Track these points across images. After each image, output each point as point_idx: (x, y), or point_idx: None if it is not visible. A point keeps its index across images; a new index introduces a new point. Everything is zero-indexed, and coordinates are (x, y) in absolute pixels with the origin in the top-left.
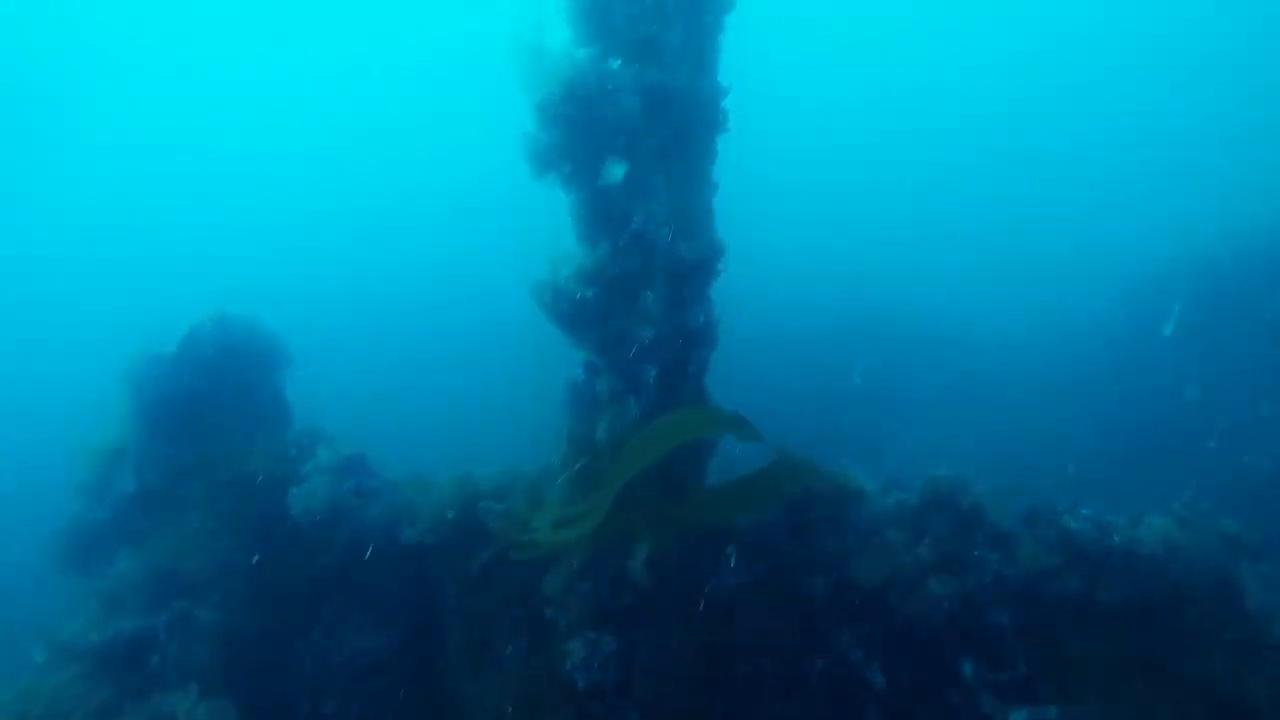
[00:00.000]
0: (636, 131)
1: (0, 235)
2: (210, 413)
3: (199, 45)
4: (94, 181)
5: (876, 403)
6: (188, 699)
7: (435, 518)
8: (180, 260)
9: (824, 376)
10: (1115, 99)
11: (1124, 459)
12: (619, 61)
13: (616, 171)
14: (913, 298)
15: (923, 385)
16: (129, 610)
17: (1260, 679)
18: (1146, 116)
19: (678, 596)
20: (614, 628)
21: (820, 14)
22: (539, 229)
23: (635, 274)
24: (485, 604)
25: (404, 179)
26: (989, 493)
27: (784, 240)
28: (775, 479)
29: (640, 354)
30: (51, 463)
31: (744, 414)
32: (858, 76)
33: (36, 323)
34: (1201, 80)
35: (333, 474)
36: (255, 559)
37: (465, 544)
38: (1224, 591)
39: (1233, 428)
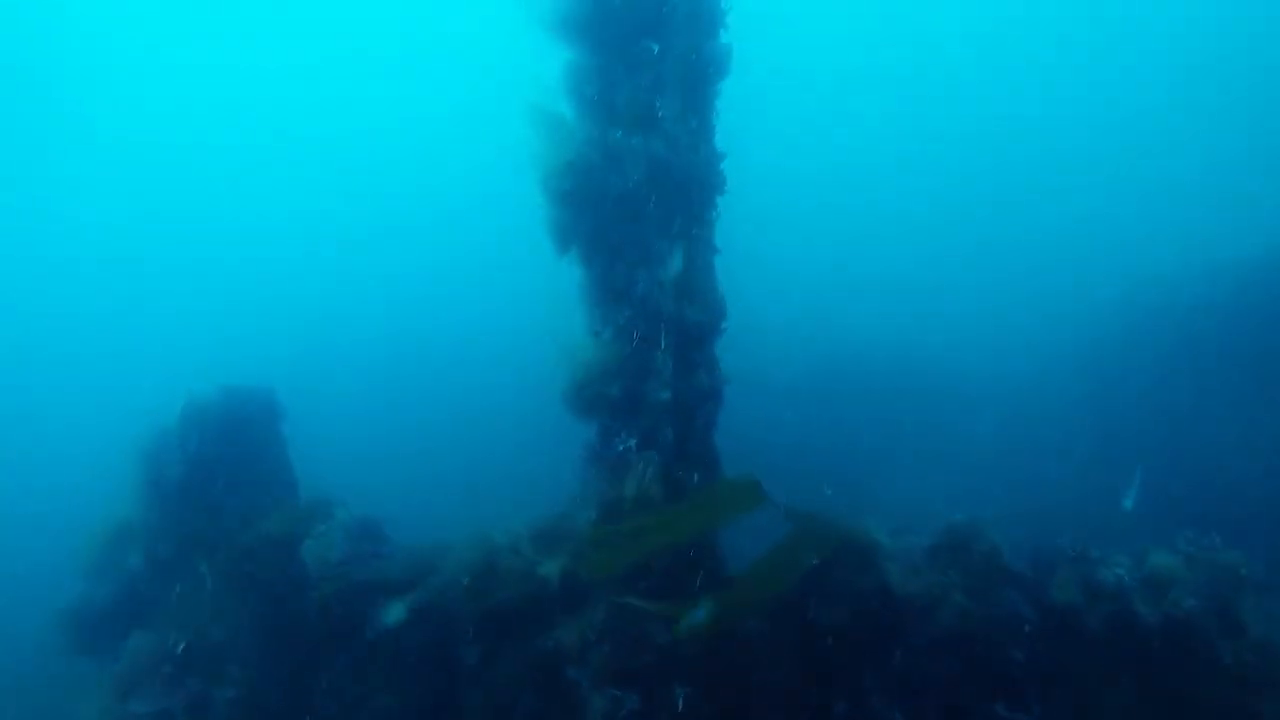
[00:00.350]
0: (642, 200)
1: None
2: (218, 481)
3: (198, 46)
4: (92, 182)
5: (867, 446)
6: None
7: (453, 577)
8: (178, 261)
9: (815, 421)
10: (1110, 121)
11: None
12: (620, 133)
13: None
14: (902, 332)
15: (913, 425)
16: (143, 693)
17: (1274, 711)
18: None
19: (699, 654)
20: (637, 685)
21: (807, 48)
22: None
23: (646, 339)
24: (505, 663)
25: (412, 189)
26: (1003, 535)
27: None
28: (803, 547)
29: (657, 415)
30: (49, 537)
31: (753, 472)
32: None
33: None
34: (1208, 105)
35: (347, 534)
36: (272, 624)
37: (483, 603)
38: (1232, 626)
39: (1221, 459)
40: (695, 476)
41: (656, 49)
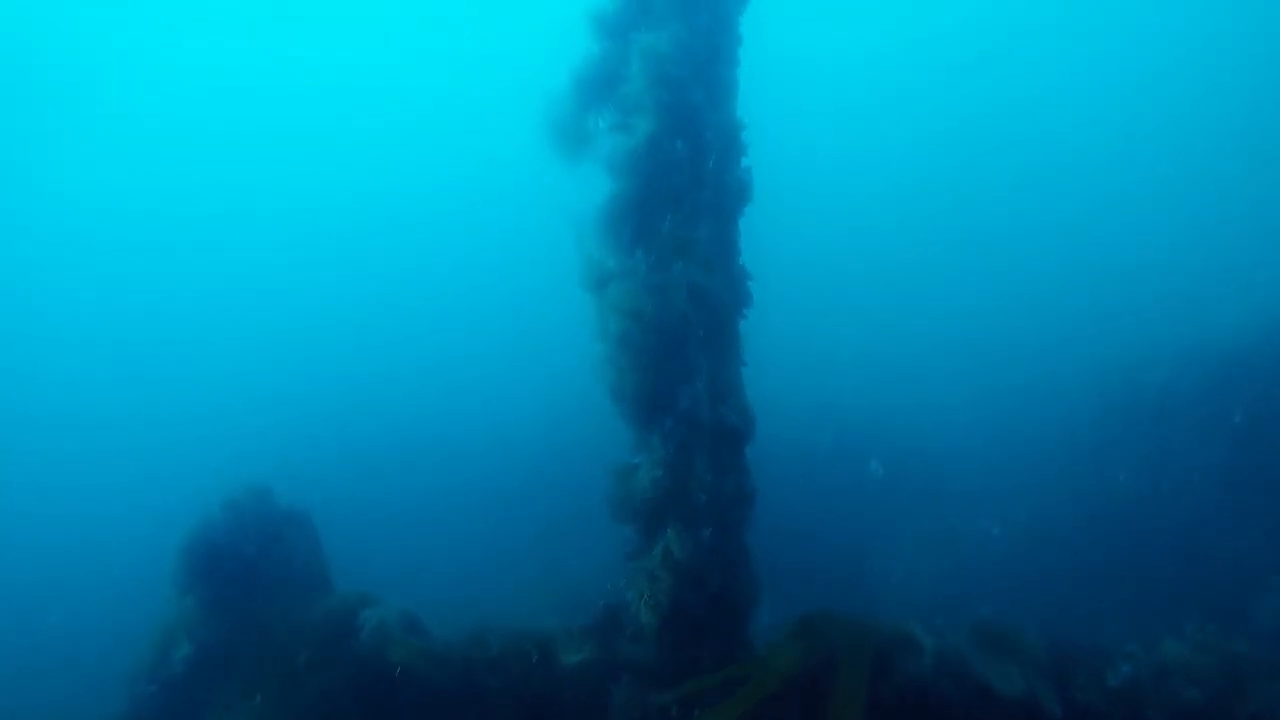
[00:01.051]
0: (685, 324)
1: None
2: (259, 577)
3: (200, 47)
4: (93, 184)
5: (861, 523)
6: None
7: (498, 675)
8: (179, 262)
9: (809, 507)
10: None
11: (1119, 575)
12: (665, 263)
13: None
14: (892, 414)
15: (909, 502)
16: None
17: None
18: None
19: None
20: None
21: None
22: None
23: (686, 447)
24: None
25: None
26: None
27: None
28: (846, 655)
29: (696, 518)
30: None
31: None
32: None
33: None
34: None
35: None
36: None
37: (526, 699)
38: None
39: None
40: (724, 576)
41: (696, 182)
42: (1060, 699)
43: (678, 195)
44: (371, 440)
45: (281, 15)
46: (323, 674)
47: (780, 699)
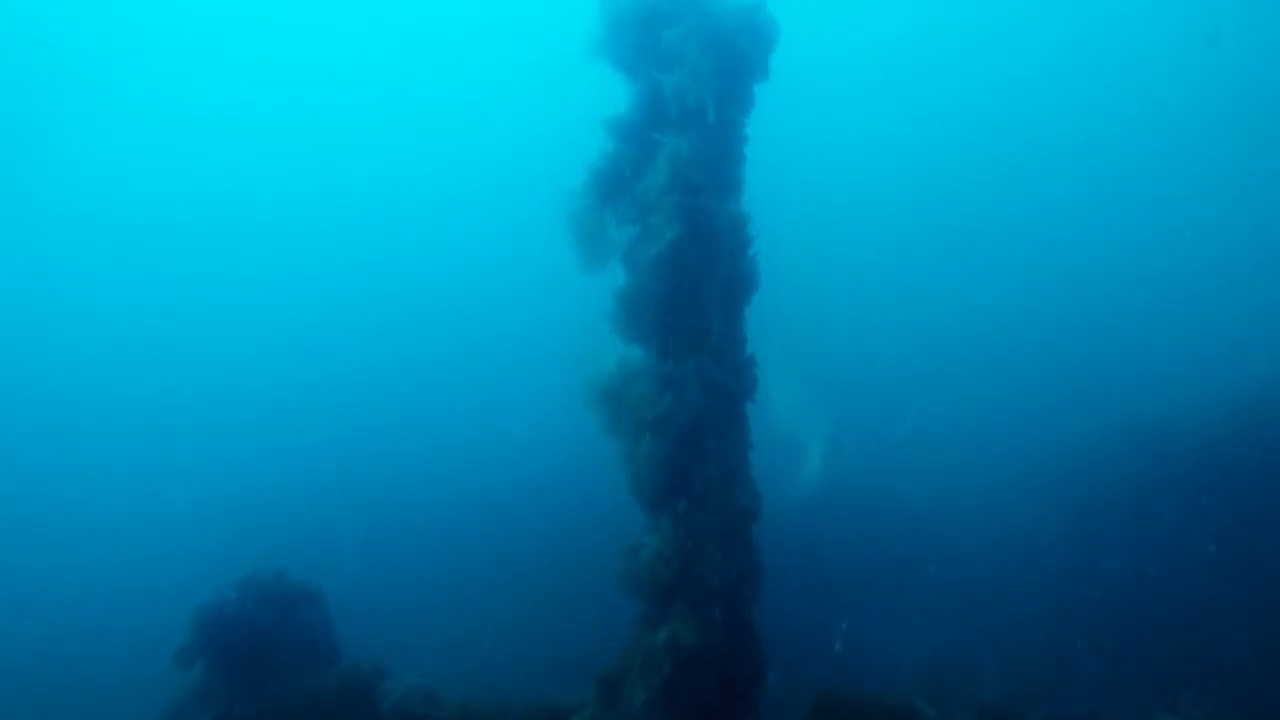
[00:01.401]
0: (702, 414)
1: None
2: (275, 649)
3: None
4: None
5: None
6: None
7: None
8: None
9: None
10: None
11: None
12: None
13: None
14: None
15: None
16: None
17: None
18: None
19: None
20: None
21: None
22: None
23: (700, 529)
24: None
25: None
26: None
27: None
28: None
29: (708, 597)
30: None
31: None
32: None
33: None
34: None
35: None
36: None
37: None
38: None
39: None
40: (732, 657)
41: (710, 278)
42: None
43: (695, 293)
44: (367, 500)
45: (284, 16)
46: None
47: None
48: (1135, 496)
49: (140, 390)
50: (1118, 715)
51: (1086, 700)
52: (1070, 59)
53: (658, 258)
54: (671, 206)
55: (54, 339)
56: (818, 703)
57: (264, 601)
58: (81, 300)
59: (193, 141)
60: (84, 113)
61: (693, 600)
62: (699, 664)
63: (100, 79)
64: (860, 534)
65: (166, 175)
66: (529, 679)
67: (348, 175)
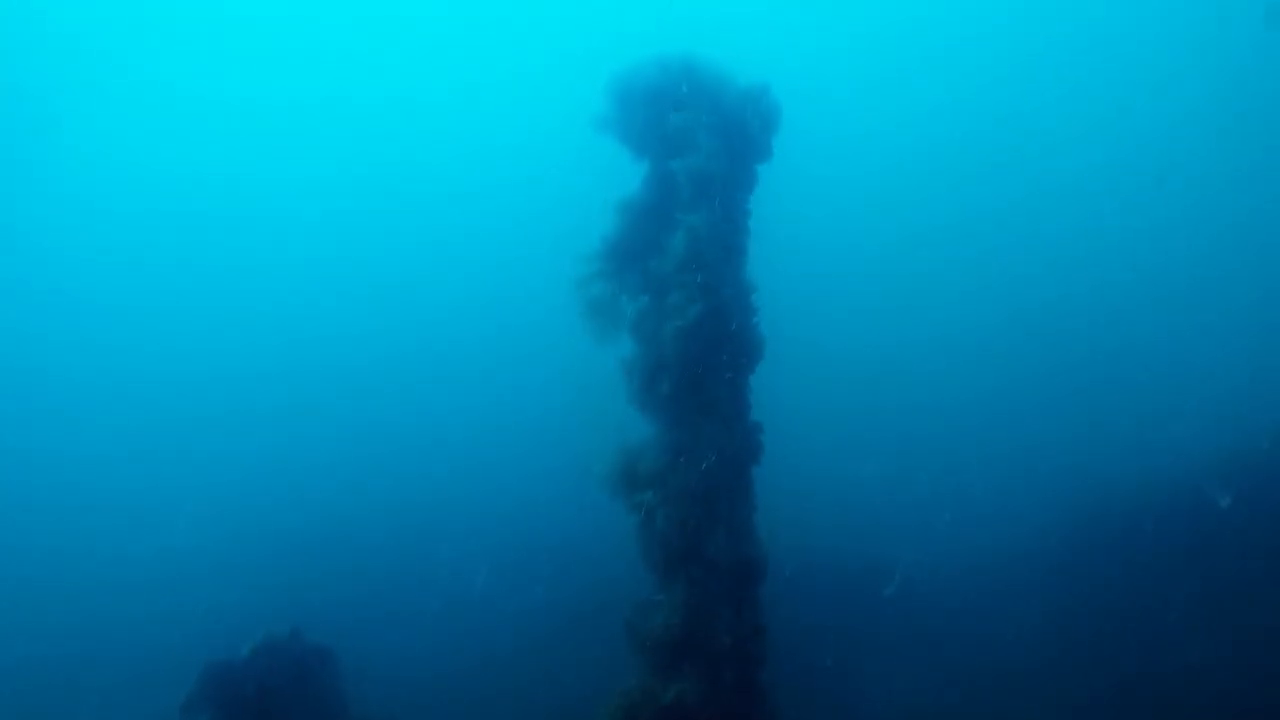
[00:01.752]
0: (714, 478)
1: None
2: (287, 707)
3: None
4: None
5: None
6: None
7: None
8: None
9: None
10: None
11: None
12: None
13: None
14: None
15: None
16: None
17: None
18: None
19: None
20: None
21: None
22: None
23: (712, 592)
24: None
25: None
26: None
27: None
28: None
29: (719, 657)
30: None
31: None
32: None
33: None
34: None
35: None
36: None
37: None
38: None
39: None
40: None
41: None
42: None
43: (711, 364)
44: (356, 540)
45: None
46: None
47: None
48: (1117, 557)
49: (140, 390)
50: None
51: None
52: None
53: (679, 333)
54: (693, 284)
55: (53, 341)
56: None
57: (278, 661)
58: (81, 299)
59: (190, 142)
60: (84, 112)
61: (704, 660)
62: None
63: (100, 79)
64: (851, 593)
65: (167, 176)
66: None
67: (347, 176)
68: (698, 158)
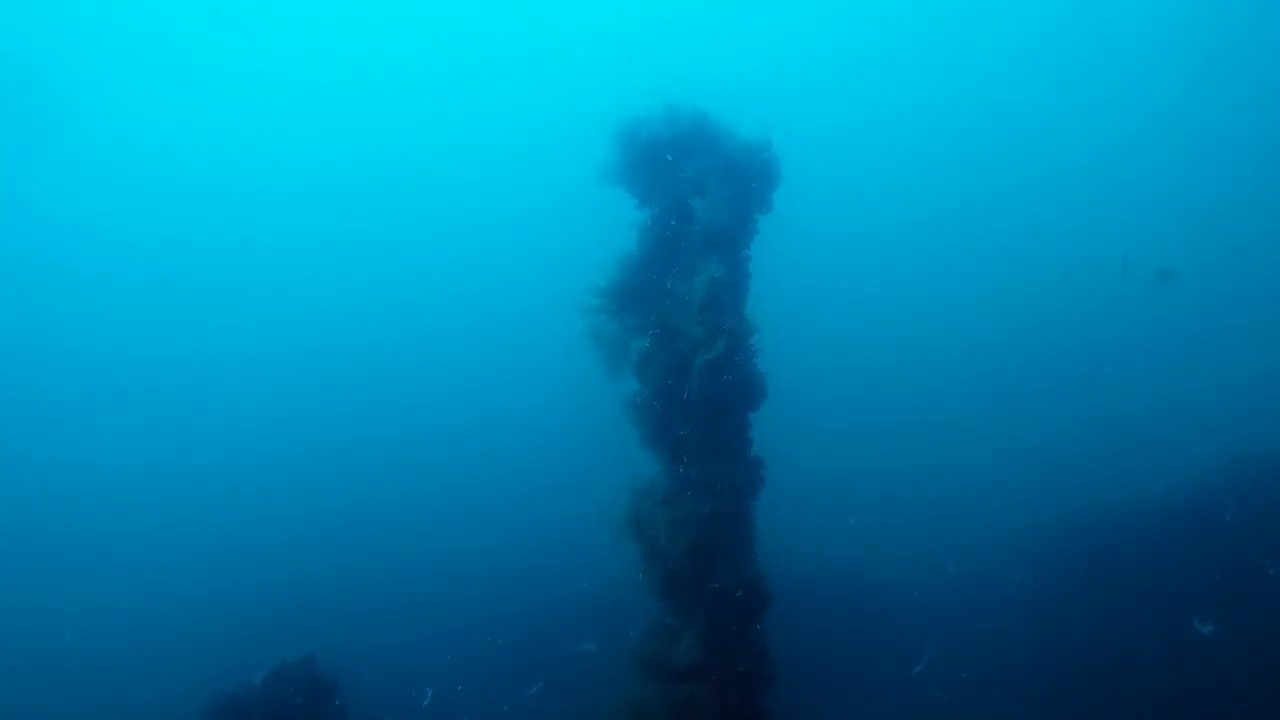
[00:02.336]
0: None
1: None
2: None
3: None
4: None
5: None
6: None
7: None
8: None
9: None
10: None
11: None
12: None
13: None
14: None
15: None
16: None
17: None
18: None
19: None
20: None
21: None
22: None
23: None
24: None
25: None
26: None
27: None
28: None
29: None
30: None
31: None
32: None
33: None
34: None
35: None
36: None
37: None
38: None
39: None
40: None
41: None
42: None
43: (720, 404)
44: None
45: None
46: None
47: None
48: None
49: (139, 391)
50: None
51: None
52: None
53: (698, 373)
54: (714, 325)
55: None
56: None
57: (286, 687)
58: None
59: (191, 141)
60: (82, 113)
61: (718, 683)
62: None
63: (100, 79)
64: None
65: (165, 175)
66: None
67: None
68: (711, 200)
